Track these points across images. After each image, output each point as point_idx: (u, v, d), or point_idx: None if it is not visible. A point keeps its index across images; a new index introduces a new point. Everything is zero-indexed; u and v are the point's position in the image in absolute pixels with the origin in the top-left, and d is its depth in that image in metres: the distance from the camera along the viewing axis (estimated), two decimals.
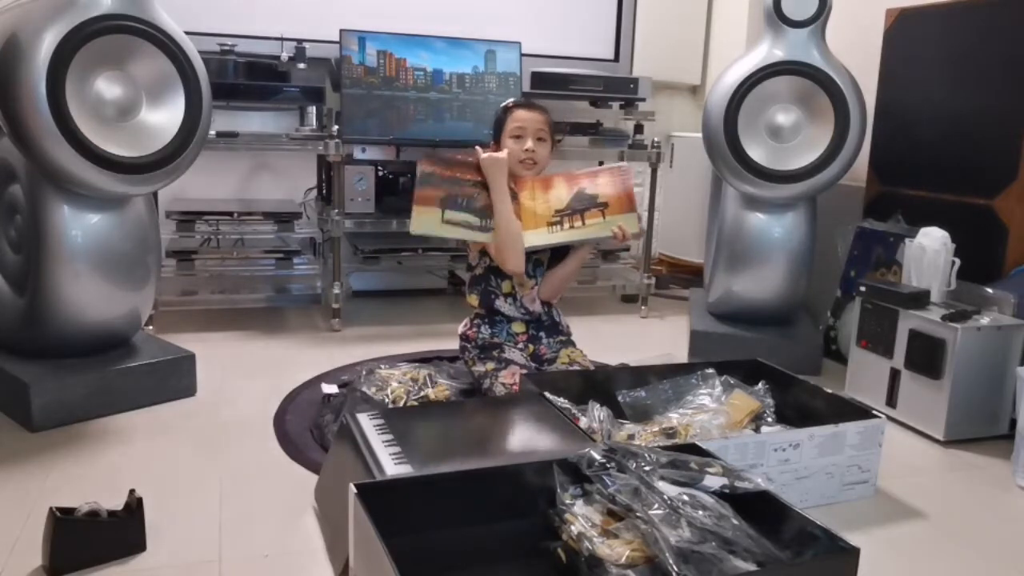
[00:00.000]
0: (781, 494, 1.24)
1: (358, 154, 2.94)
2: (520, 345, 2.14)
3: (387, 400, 1.91)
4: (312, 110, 2.85)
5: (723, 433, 1.65)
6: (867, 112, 2.51)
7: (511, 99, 2.29)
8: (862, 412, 1.75)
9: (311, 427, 1.96)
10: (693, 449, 1.37)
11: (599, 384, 1.82)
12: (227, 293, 2.86)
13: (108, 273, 1.99)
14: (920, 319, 2.11)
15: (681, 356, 2.62)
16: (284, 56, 2.77)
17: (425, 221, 2.06)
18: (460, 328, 2.22)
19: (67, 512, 1.34)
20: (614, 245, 3.43)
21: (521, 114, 2.16)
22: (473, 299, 2.19)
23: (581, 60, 3.37)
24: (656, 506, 1.15)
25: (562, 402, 1.70)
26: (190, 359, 2.16)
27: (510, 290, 2.16)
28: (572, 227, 2.13)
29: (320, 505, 1.57)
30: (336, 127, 2.74)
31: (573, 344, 2.20)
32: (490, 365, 2.06)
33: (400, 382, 1.99)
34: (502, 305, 2.16)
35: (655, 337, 3.00)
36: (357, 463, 1.39)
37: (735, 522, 1.16)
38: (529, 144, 2.14)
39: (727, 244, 2.65)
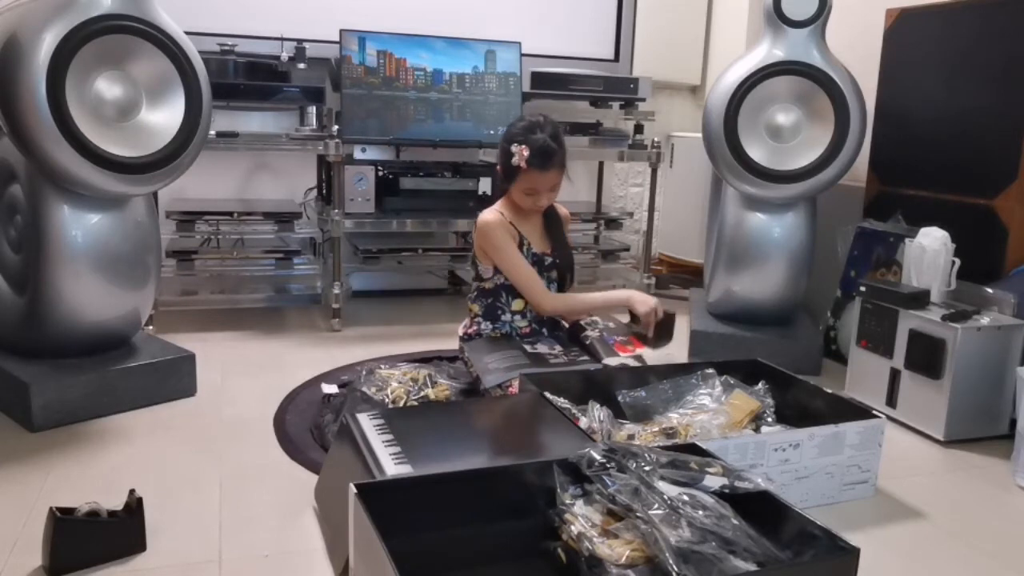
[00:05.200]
0: (781, 494, 1.24)
1: (358, 154, 2.94)
2: (529, 338, 2.15)
3: (387, 400, 1.91)
4: (312, 110, 2.85)
5: (723, 433, 1.65)
6: (867, 112, 2.51)
7: (524, 148, 2.03)
8: (862, 412, 1.75)
9: (311, 427, 1.96)
10: (693, 449, 1.37)
11: (599, 384, 1.82)
12: (227, 293, 2.86)
13: (108, 273, 1.99)
14: (920, 319, 2.11)
15: (681, 356, 2.62)
16: (284, 56, 2.77)
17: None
18: (460, 330, 2.23)
19: (67, 512, 1.34)
20: (614, 246, 3.44)
21: (536, 177, 2.05)
22: (476, 307, 2.20)
23: (581, 60, 3.37)
24: (656, 506, 1.15)
25: (562, 402, 1.70)
26: (190, 359, 2.16)
27: (521, 308, 2.17)
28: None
29: (320, 505, 1.57)
30: (336, 127, 2.74)
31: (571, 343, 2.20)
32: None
33: (400, 382, 1.99)
34: (508, 319, 2.16)
35: None
36: (357, 463, 1.39)
37: (735, 522, 1.16)
38: (543, 201, 2.11)
39: (727, 244, 2.64)
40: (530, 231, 2.18)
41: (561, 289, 2.22)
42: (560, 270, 2.20)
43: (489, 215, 2.16)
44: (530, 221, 2.18)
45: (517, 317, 2.17)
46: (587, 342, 2.15)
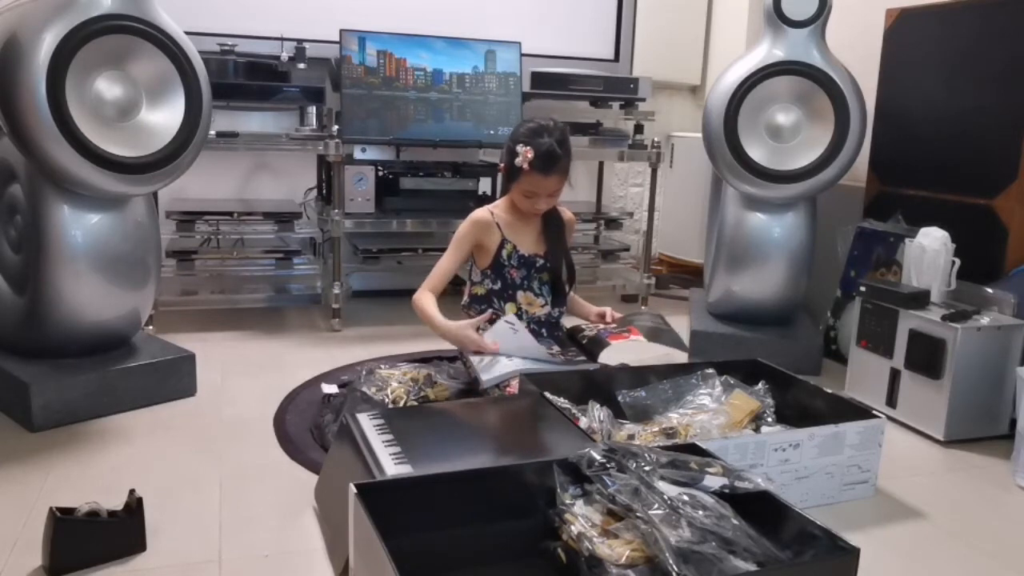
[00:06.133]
0: (781, 494, 1.24)
1: (358, 154, 2.94)
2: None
3: (387, 400, 1.91)
4: (312, 110, 2.85)
5: (723, 433, 1.65)
6: (867, 112, 2.51)
7: (529, 150, 2.02)
8: (862, 412, 1.75)
9: (311, 427, 1.96)
10: (693, 449, 1.37)
11: (599, 384, 1.82)
12: (227, 293, 2.86)
13: (108, 273, 1.99)
14: (920, 319, 2.11)
15: (681, 356, 2.61)
16: (284, 56, 2.77)
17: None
18: None
19: (67, 512, 1.34)
20: (614, 246, 3.44)
21: (537, 180, 2.05)
22: (471, 312, 2.19)
23: (581, 60, 3.37)
24: (656, 506, 1.15)
25: (562, 402, 1.70)
26: (190, 359, 2.16)
27: (514, 312, 2.16)
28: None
29: (320, 505, 1.57)
30: (336, 127, 2.74)
31: (570, 344, 2.20)
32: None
33: (400, 382, 1.99)
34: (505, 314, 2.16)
35: None
36: (357, 463, 1.39)
37: (735, 522, 1.16)
38: (541, 205, 2.10)
39: (727, 244, 2.65)
40: (524, 232, 2.17)
41: (555, 292, 2.21)
42: (552, 273, 2.19)
43: (477, 211, 2.17)
44: (528, 222, 2.18)
45: (514, 320, 2.17)
46: (584, 342, 2.15)
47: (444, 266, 2.15)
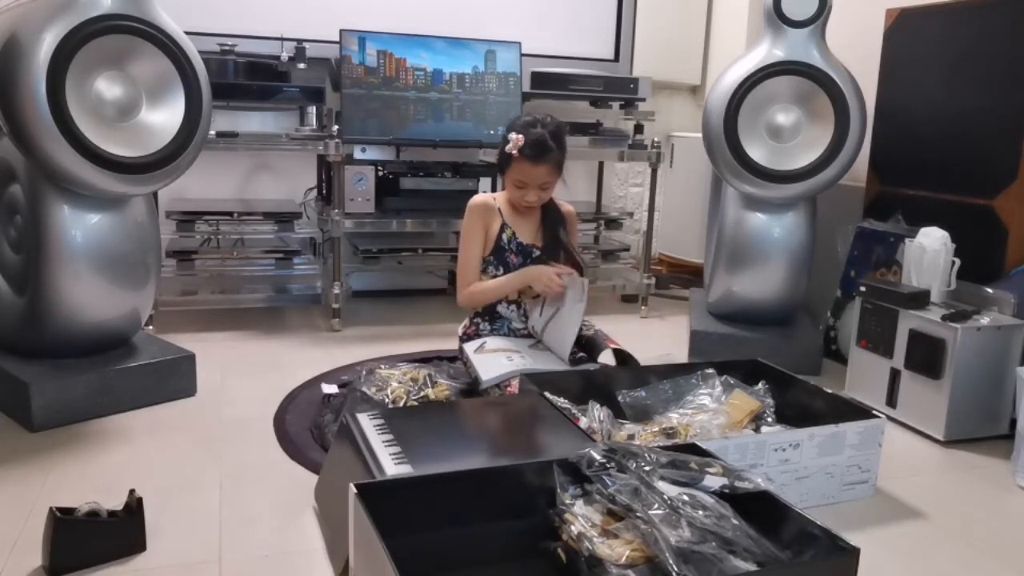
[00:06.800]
0: (781, 494, 1.24)
1: (358, 154, 2.94)
2: (528, 338, 2.15)
3: (387, 400, 1.91)
4: (312, 110, 2.85)
5: (723, 433, 1.65)
6: (867, 112, 2.51)
7: (520, 138, 2.03)
8: (862, 412, 1.75)
9: (311, 427, 1.96)
10: (693, 449, 1.37)
11: (599, 384, 1.82)
12: (227, 293, 2.86)
13: (108, 273, 1.99)
14: (920, 319, 2.11)
15: (681, 356, 2.62)
16: (284, 56, 2.77)
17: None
18: (460, 330, 2.23)
19: (67, 512, 1.34)
20: (614, 246, 3.44)
21: (526, 168, 2.05)
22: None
23: (581, 60, 3.37)
24: (656, 506, 1.15)
25: (562, 402, 1.70)
26: (190, 359, 2.16)
27: (515, 297, 2.16)
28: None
29: (320, 505, 1.57)
30: (336, 127, 2.74)
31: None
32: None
33: (400, 382, 1.99)
34: (504, 311, 2.16)
35: (655, 337, 3.00)
36: (357, 463, 1.39)
37: (735, 522, 1.16)
38: (531, 197, 2.10)
39: (727, 244, 2.65)
40: (524, 223, 2.18)
41: None
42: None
43: (478, 196, 2.19)
44: (527, 215, 2.18)
45: (513, 316, 2.17)
46: (582, 342, 2.15)
47: (467, 255, 2.16)
